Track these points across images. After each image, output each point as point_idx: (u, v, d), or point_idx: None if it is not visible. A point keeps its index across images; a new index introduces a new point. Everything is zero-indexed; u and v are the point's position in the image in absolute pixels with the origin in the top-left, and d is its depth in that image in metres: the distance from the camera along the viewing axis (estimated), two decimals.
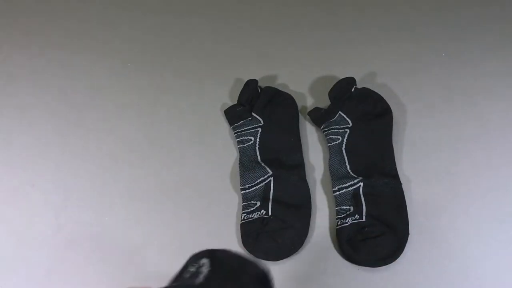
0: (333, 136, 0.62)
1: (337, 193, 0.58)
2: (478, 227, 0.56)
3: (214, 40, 0.76)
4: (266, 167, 0.59)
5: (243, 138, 0.63)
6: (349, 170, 0.59)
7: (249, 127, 0.63)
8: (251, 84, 0.65)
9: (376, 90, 0.66)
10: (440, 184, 0.60)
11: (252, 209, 0.57)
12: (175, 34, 0.77)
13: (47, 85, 0.71)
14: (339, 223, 0.56)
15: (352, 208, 0.56)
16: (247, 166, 0.60)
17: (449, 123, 0.65)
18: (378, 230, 0.54)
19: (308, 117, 0.65)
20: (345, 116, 0.63)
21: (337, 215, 0.57)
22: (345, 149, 0.61)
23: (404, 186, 0.58)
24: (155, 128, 0.66)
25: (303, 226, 0.56)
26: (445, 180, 0.60)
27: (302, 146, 0.63)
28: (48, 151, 0.64)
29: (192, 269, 0.37)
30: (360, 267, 0.53)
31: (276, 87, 0.67)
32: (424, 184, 0.59)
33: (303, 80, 0.70)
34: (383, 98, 0.65)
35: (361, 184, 0.57)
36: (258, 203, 0.57)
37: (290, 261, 0.54)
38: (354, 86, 0.65)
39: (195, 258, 0.38)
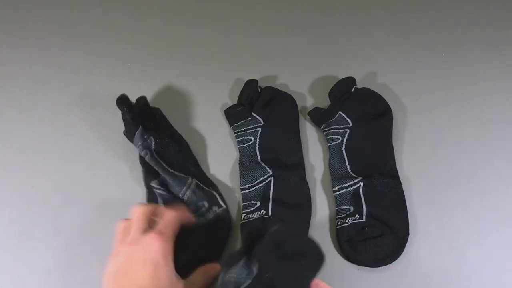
0: (333, 136, 0.62)
1: (337, 193, 0.58)
2: (478, 227, 0.56)
3: (214, 40, 0.76)
4: (266, 167, 0.59)
5: (243, 138, 0.63)
6: (349, 170, 0.59)
7: (249, 127, 0.63)
8: (251, 84, 0.65)
9: (376, 90, 0.66)
10: (440, 184, 0.60)
11: (252, 209, 0.57)
12: (175, 35, 0.77)
13: (47, 85, 0.71)
14: (339, 223, 0.56)
15: (352, 208, 0.56)
16: (247, 166, 0.60)
17: (449, 123, 0.65)
18: (378, 230, 0.54)
19: (308, 117, 0.65)
20: (345, 116, 0.63)
21: (337, 215, 0.57)
22: (345, 149, 0.61)
23: (404, 186, 0.58)
24: None
25: (303, 226, 0.56)
26: (445, 180, 0.60)
27: (302, 146, 0.63)
28: (48, 151, 0.64)
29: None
30: (360, 267, 0.53)
31: (276, 87, 0.67)
32: (424, 184, 0.59)
33: (303, 80, 0.70)
34: (383, 98, 0.65)
35: (361, 184, 0.57)
36: (258, 203, 0.57)
37: None
38: (354, 86, 0.65)
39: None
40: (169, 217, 0.44)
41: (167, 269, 0.39)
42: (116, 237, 0.45)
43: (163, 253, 0.39)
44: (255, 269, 0.40)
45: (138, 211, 0.44)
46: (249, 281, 0.40)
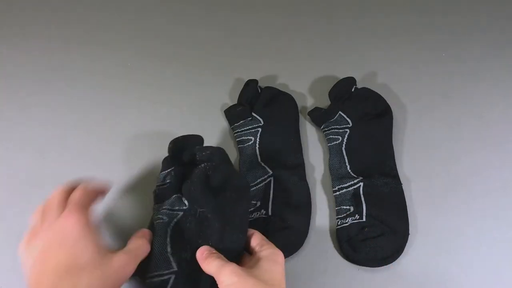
0: (333, 136, 0.62)
1: (337, 193, 0.58)
2: (478, 227, 0.56)
3: (214, 40, 0.76)
4: (266, 167, 0.59)
5: (243, 138, 0.63)
6: (349, 170, 0.59)
7: (249, 127, 0.63)
8: (251, 84, 0.65)
9: (376, 90, 0.66)
10: (440, 184, 0.60)
11: (252, 209, 0.57)
12: (175, 34, 0.77)
13: (47, 85, 0.71)
14: (339, 223, 0.56)
15: (352, 208, 0.56)
16: (247, 166, 0.60)
17: (449, 123, 0.65)
18: (378, 230, 0.54)
19: (308, 117, 0.65)
20: (345, 116, 0.63)
21: (337, 215, 0.57)
22: (345, 149, 0.61)
23: (404, 186, 0.58)
24: (155, 129, 0.66)
25: (303, 226, 0.56)
26: (445, 180, 0.60)
27: (302, 146, 0.63)
28: (48, 151, 0.64)
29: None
30: (360, 267, 0.53)
31: (276, 87, 0.67)
32: (424, 184, 0.59)
33: (303, 80, 0.70)
34: (383, 98, 0.65)
35: (361, 184, 0.57)
36: (258, 203, 0.57)
37: (290, 261, 0.54)
38: (354, 86, 0.65)
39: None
40: (79, 190, 0.42)
41: (89, 243, 0.37)
42: (31, 227, 0.42)
43: (80, 227, 0.37)
44: (186, 202, 0.42)
45: (52, 195, 0.42)
46: (181, 213, 0.42)
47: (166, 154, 0.64)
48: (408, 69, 0.71)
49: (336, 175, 0.59)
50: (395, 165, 0.60)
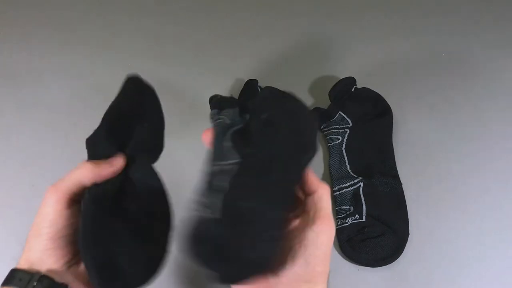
0: (333, 136, 0.62)
1: (337, 193, 0.58)
2: (478, 227, 0.56)
3: (214, 40, 0.76)
4: None
5: None
6: (349, 170, 0.59)
7: None
8: (251, 84, 0.65)
9: (376, 90, 0.66)
10: (440, 184, 0.60)
11: None
12: (175, 34, 0.77)
13: (47, 85, 0.71)
14: (339, 223, 0.56)
15: (352, 208, 0.56)
16: None
17: (449, 123, 0.65)
18: (378, 230, 0.54)
19: None
20: (345, 116, 0.63)
21: (337, 215, 0.57)
22: (345, 149, 0.61)
23: (404, 186, 0.58)
24: None
25: None
26: (445, 180, 0.60)
27: None
28: (48, 151, 0.64)
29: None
30: (360, 267, 0.53)
31: (276, 87, 0.67)
32: (424, 184, 0.59)
33: (303, 80, 0.70)
34: (383, 98, 0.65)
35: (361, 184, 0.57)
36: None
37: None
38: (354, 86, 0.65)
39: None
40: (74, 170, 0.42)
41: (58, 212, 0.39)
42: None
43: (49, 201, 0.40)
44: (247, 117, 0.39)
45: None
46: (241, 125, 0.38)
47: (165, 153, 0.64)
48: (408, 69, 0.71)
49: (336, 175, 0.59)
50: (395, 165, 0.60)
